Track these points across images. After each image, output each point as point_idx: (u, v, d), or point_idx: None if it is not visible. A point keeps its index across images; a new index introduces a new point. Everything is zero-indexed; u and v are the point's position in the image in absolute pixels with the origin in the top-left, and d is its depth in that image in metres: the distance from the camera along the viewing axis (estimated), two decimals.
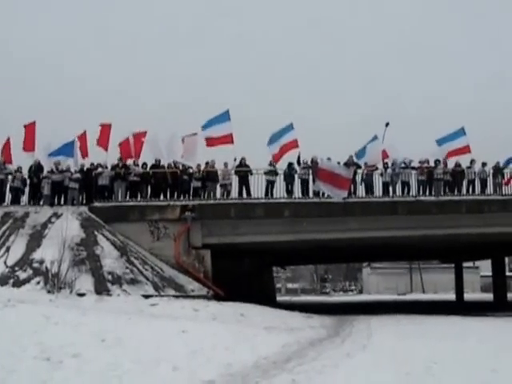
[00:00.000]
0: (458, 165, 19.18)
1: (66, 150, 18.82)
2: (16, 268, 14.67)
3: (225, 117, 18.58)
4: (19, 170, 18.76)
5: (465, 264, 36.08)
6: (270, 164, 18.55)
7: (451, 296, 35.51)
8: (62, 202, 18.39)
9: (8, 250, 15.50)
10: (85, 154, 19.09)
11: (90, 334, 8.91)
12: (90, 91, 77.18)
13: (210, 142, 18.56)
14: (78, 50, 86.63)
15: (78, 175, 18.29)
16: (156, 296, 14.49)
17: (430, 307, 24.79)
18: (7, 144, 19.21)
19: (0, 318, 9.46)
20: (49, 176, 18.39)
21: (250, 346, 9.19)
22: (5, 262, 14.91)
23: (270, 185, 18.40)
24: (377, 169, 18.84)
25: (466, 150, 19.18)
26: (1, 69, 75.22)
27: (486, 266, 40.79)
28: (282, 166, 18.71)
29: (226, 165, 18.56)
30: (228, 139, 18.48)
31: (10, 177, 18.63)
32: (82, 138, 19.03)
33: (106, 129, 18.94)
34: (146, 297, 14.18)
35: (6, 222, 16.85)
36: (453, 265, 35.30)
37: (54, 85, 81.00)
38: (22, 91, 73.43)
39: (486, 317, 17.23)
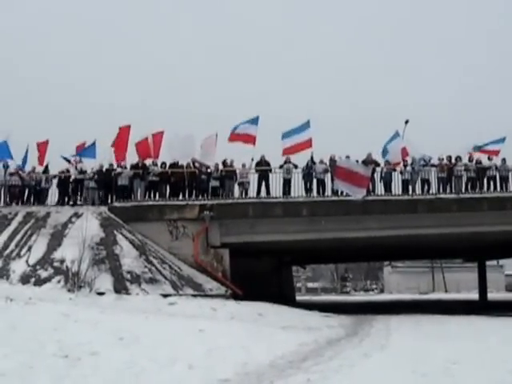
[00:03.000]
0: (478, 161, 18.88)
1: (89, 151, 19.14)
2: (37, 267, 14.92)
3: (255, 121, 18.86)
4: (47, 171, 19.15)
5: (488, 263, 35.47)
6: (286, 161, 18.51)
7: (474, 295, 34.98)
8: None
9: (30, 249, 15.77)
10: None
11: (108, 333, 9.00)
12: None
13: (233, 137, 18.74)
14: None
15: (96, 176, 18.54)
16: (174, 295, 14.57)
17: (451, 307, 24.46)
18: (43, 146, 19.54)
19: (21, 316, 9.61)
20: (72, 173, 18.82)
21: (266, 345, 9.17)
22: (27, 261, 15.19)
23: (287, 183, 18.36)
24: (395, 170, 18.64)
25: (494, 152, 19.01)
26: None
27: (511, 265, 40.26)
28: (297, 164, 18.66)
29: (244, 165, 18.60)
30: (251, 139, 18.64)
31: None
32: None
33: (125, 130, 19.13)
34: (165, 296, 14.27)
35: (28, 221, 17.13)
36: (476, 263, 34.75)
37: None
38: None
39: (508, 317, 16.92)
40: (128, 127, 19.14)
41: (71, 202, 18.58)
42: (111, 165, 18.92)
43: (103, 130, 20.99)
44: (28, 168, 19.38)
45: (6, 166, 19.04)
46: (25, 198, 18.88)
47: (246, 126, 18.77)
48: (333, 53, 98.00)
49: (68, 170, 19.13)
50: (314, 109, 57.82)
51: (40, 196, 18.81)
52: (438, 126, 73.59)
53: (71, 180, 18.99)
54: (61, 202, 18.56)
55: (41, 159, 19.50)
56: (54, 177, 19.03)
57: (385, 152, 18.89)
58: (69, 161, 19.42)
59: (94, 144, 19.30)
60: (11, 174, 18.80)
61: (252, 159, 18.44)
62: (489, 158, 18.92)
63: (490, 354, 8.85)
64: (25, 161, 19.54)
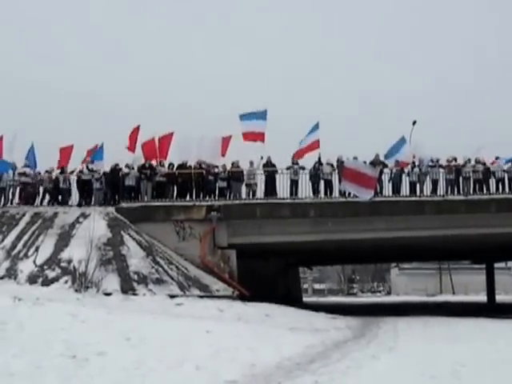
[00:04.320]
0: (483, 163, 18.76)
1: (98, 154, 19.21)
2: (45, 267, 14.98)
3: (263, 115, 18.81)
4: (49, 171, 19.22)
5: (496, 265, 35.24)
6: (293, 163, 18.50)
7: (482, 298, 34.78)
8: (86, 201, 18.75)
9: (37, 249, 15.83)
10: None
11: (115, 333, 9.01)
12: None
13: (244, 136, 18.76)
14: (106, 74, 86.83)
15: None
16: (181, 296, 14.59)
17: (459, 309, 24.33)
18: (67, 150, 19.60)
19: (29, 316, 9.63)
20: (79, 175, 18.86)
21: (273, 346, 9.14)
22: (34, 262, 15.26)
23: (295, 184, 18.34)
24: (403, 171, 18.57)
25: None
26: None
27: None
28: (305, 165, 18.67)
29: (251, 164, 18.60)
30: (260, 137, 18.65)
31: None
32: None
33: (134, 130, 19.20)
34: (172, 296, 14.28)
35: (35, 222, 17.19)
36: (484, 265, 34.55)
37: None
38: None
39: None
40: (137, 127, 19.21)
41: (83, 203, 18.65)
42: (117, 165, 18.96)
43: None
44: (42, 169, 19.45)
45: (13, 168, 19.13)
46: (39, 198, 18.97)
47: (254, 123, 18.75)
48: (335, 53, 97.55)
49: (81, 171, 19.18)
50: (319, 108, 57.74)
51: (62, 197, 18.89)
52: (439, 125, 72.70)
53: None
54: (82, 203, 18.61)
55: (63, 163, 19.54)
56: (72, 172, 19.14)
57: (388, 155, 18.80)
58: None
59: (101, 147, 19.39)
60: (20, 174, 18.90)
61: (261, 157, 18.48)
62: (496, 158, 18.79)
63: (499, 356, 8.81)
64: (34, 161, 19.56)
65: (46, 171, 19.18)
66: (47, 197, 19.09)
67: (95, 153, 19.37)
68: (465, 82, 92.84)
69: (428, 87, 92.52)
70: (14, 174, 19.02)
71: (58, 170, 19.30)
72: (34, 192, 18.99)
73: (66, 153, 19.63)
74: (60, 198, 18.91)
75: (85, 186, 18.82)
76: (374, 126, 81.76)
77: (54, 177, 19.05)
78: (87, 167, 18.88)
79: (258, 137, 18.69)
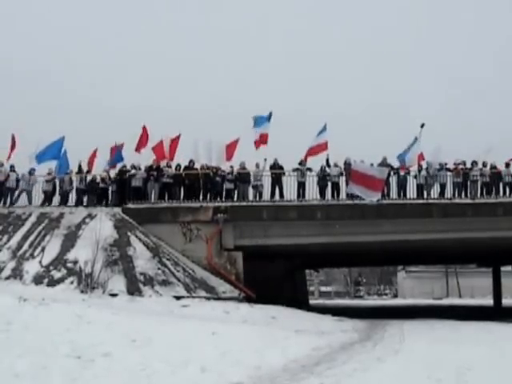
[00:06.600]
0: (494, 166, 18.66)
1: (118, 156, 19.35)
2: (51, 268, 15.02)
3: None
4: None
5: (503, 268, 35.09)
6: (300, 164, 18.48)
7: (489, 301, 34.62)
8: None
9: (43, 249, 15.87)
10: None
11: (121, 334, 9.02)
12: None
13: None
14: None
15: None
16: (187, 297, 14.59)
17: (466, 312, 24.19)
18: (93, 155, 19.69)
19: (34, 316, 9.65)
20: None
21: (279, 348, 9.12)
22: (40, 262, 15.30)
23: (302, 186, 18.31)
24: (408, 173, 18.52)
25: None
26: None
27: None
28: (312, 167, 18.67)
29: (257, 165, 18.59)
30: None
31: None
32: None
33: (144, 131, 19.27)
34: (178, 298, 14.30)
35: (41, 222, 17.24)
36: (491, 269, 34.41)
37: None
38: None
39: None
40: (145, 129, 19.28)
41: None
42: (124, 166, 19.00)
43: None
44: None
45: (32, 172, 19.08)
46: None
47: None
48: (339, 53, 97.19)
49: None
50: (325, 108, 57.41)
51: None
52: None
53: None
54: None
55: (90, 167, 19.66)
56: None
57: (401, 157, 18.79)
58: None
59: (121, 147, 19.47)
60: (47, 181, 18.90)
61: (265, 159, 18.48)
62: (507, 166, 18.69)
63: (505, 360, 8.74)
64: (67, 164, 19.51)
65: (66, 173, 19.25)
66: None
67: (116, 154, 19.41)
68: (476, 82, 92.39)
69: (439, 86, 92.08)
70: (29, 179, 19.00)
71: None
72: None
73: (91, 157, 19.68)
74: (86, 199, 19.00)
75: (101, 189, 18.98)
76: (382, 127, 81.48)
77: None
78: (106, 178, 18.93)
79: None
